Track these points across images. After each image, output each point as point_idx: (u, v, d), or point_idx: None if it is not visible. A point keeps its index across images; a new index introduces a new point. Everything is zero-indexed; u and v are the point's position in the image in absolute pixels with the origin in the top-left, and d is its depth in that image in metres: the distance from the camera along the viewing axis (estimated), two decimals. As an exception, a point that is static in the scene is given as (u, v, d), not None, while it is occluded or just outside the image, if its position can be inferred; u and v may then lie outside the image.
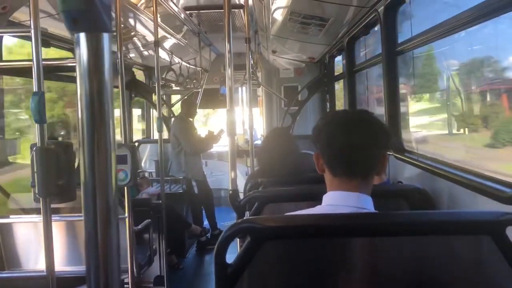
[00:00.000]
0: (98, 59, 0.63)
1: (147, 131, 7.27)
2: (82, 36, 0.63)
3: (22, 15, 3.07)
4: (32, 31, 2.01)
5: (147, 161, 6.72)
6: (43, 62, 2.06)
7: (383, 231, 1.22)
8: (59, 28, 3.80)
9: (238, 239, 2.14)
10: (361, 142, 1.31)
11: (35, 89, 2.05)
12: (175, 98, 7.49)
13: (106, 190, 0.64)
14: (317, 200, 1.41)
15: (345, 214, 1.28)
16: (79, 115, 0.65)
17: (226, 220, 6.01)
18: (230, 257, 1.21)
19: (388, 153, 2.64)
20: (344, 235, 1.23)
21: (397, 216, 1.33)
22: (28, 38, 2.15)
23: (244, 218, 2.04)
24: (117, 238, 0.65)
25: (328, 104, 6.06)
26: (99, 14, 0.60)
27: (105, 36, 0.63)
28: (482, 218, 1.21)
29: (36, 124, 2.02)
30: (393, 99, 2.78)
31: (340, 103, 5.70)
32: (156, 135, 6.70)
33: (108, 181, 0.64)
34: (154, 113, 6.88)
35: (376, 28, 3.33)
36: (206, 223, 5.80)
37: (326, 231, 1.23)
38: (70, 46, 4.20)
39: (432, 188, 2.10)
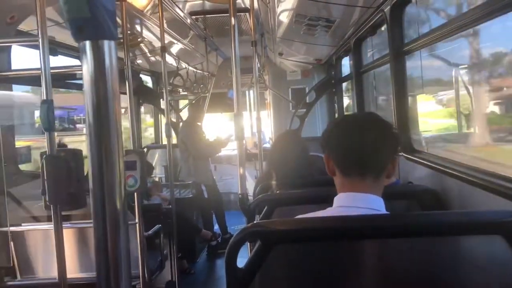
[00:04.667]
0: (104, 66, 0.63)
1: (155, 136, 7.30)
2: (88, 44, 0.63)
3: (30, 23, 3.10)
4: (40, 40, 2.03)
5: (156, 166, 6.74)
6: (51, 71, 2.08)
7: (395, 233, 1.21)
8: (66, 36, 3.83)
9: (248, 243, 2.13)
10: (371, 142, 1.32)
11: (43, 97, 2.07)
12: (183, 103, 7.51)
13: (115, 196, 0.64)
14: (328, 203, 1.40)
15: (356, 216, 1.27)
16: (87, 123, 0.65)
17: (237, 224, 6.01)
18: (241, 261, 1.21)
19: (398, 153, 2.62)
20: (356, 237, 1.23)
21: (408, 217, 1.32)
22: (36, 47, 2.17)
23: (254, 222, 2.04)
24: (126, 244, 0.65)
25: (336, 105, 6.04)
26: (104, 22, 0.60)
27: (111, 44, 0.63)
28: (493, 217, 1.20)
29: (46, 132, 2.04)
30: (402, 99, 2.76)
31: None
32: (165, 140, 6.73)
33: (117, 188, 0.65)
34: (163, 118, 6.91)
35: (383, 28, 3.32)
36: (216, 227, 5.80)
37: (337, 233, 1.22)
38: (78, 53, 4.23)
39: (443, 188, 2.08)
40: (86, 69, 0.63)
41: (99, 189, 0.64)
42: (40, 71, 2.06)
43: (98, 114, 0.63)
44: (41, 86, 2.09)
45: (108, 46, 0.63)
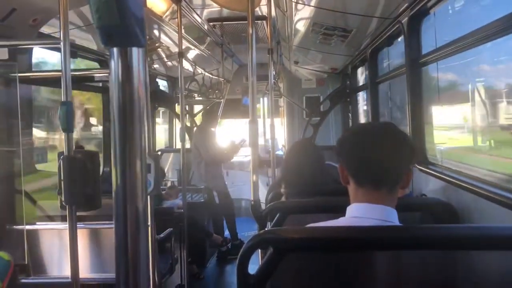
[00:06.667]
0: (132, 72, 0.65)
1: (169, 140, 7.34)
2: (116, 50, 0.65)
3: (50, 26, 3.16)
4: (62, 43, 2.07)
5: (169, 170, 6.78)
6: (72, 73, 2.12)
7: (408, 245, 1.20)
8: (86, 39, 3.89)
9: (259, 250, 2.14)
10: (387, 153, 1.31)
11: (63, 98, 2.11)
12: (197, 108, 7.56)
13: (137, 198, 0.66)
14: (340, 212, 1.40)
15: (369, 227, 1.27)
16: (112, 126, 0.66)
17: (247, 231, 6.02)
18: (251, 267, 1.22)
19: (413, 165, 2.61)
20: (369, 248, 1.22)
21: (422, 229, 1.31)
22: (57, 49, 2.21)
23: (266, 229, 2.05)
24: (146, 246, 0.66)
25: (350, 115, 6.03)
26: (133, 29, 0.62)
27: (139, 51, 0.65)
28: (509, 233, 1.19)
29: (64, 133, 2.08)
30: (417, 111, 2.75)
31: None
32: (178, 144, 6.77)
33: (139, 190, 0.66)
34: (177, 123, 6.95)
35: (399, 39, 3.32)
36: (226, 233, 5.81)
37: (350, 243, 1.22)
38: (96, 57, 4.30)
39: (457, 201, 2.07)
40: (114, 74, 0.65)
41: (121, 191, 0.65)
42: (60, 73, 2.10)
43: (124, 119, 0.65)
44: (60, 87, 2.13)
45: (136, 53, 0.64)
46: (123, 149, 0.65)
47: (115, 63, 0.64)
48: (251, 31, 2.51)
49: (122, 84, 0.64)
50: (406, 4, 2.65)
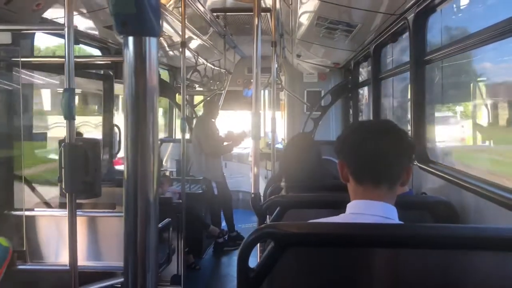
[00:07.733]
0: (145, 62, 0.64)
1: (169, 130, 7.33)
2: (131, 39, 0.64)
3: (53, 12, 3.13)
4: (66, 29, 2.06)
5: (168, 160, 6.77)
6: (75, 60, 2.11)
7: (408, 243, 1.20)
8: (88, 26, 3.86)
9: (258, 243, 2.14)
10: (387, 150, 1.32)
11: (66, 85, 2.10)
12: (197, 99, 7.55)
13: (148, 188, 0.65)
14: (339, 208, 1.40)
15: (370, 224, 1.27)
16: (125, 115, 0.66)
17: (244, 223, 6.03)
18: (250, 260, 1.22)
19: (413, 162, 2.60)
20: (369, 245, 1.23)
21: (422, 228, 1.31)
22: (60, 35, 2.20)
23: (267, 223, 2.05)
24: (155, 235, 0.66)
25: (351, 110, 6.02)
26: (148, 19, 0.61)
27: (153, 40, 0.64)
28: (509, 234, 1.19)
29: (66, 120, 2.06)
30: (420, 108, 2.74)
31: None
32: (178, 135, 6.76)
33: (149, 180, 0.65)
34: (177, 113, 6.94)
35: (404, 36, 3.30)
36: (223, 224, 5.82)
37: (350, 240, 1.22)
38: (98, 44, 4.27)
39: (457, 200, 2.07)
40: (127, 63, 0.64)
41: (132, 180, 0.65)
42: (63, 59, 2.09)
43: (137, 107, 0.64)
44: (62, 74, 2.12)
45: (150, 42, 0.64)
46: (135, 138, 0.65)
47: (128, 52, 0.64)
48: (256, 23, 2.49)
49: (135, 73, 0.63)
50: (412, 1, 2.63)
